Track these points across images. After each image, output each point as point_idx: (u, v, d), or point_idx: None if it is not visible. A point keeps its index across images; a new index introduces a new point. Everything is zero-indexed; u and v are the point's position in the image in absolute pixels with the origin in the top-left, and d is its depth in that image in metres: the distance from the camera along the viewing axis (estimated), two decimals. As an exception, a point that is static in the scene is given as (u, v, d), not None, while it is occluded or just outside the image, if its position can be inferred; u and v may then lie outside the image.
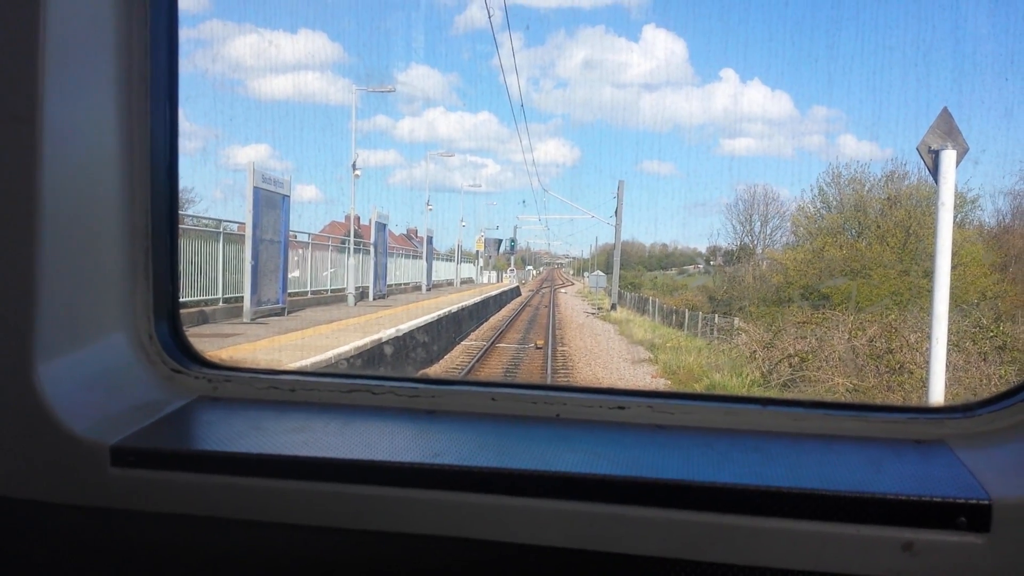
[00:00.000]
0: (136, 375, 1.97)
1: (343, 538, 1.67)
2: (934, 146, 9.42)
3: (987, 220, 25.52)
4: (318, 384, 2.03)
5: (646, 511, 1.59)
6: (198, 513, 1.70)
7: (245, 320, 18.05)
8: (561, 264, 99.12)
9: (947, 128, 9.57)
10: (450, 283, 44.78)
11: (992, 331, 16.69)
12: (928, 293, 9.95)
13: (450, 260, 47.21)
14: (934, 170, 9.54)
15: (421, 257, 36.87)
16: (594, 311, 39.30)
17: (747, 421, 1.88)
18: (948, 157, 9.42)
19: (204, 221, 20.91)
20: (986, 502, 1.50)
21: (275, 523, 1.67)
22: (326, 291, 24.82)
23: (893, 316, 19.14)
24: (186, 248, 17.61)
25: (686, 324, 28.62)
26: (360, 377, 2.03)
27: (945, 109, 9.81)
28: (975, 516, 1.50)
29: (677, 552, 1.57)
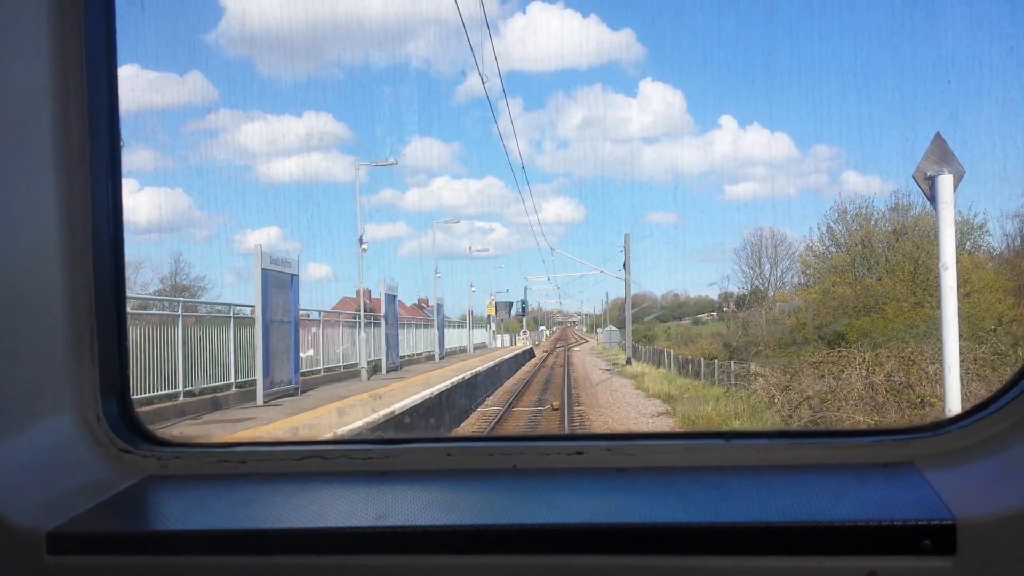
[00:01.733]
0: (82, 456, 1.92)
1: None
2: (930, 172, 9.39)
3: (996, 245, 25.38)
4: (269, 454, 1.98)
5: (600, 559, 1.51)
6: None
7: (258, 403, 17.96)
8: (574, 322, 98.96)
9: (941, 153, 9.55)
10: (463, 350, 44.68)
11: (1011, 356, 16.41)
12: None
13: (462, 326, 47.20)
14: (932, 196, 9.49)
15: (433, 326, 36.88)
16: (609, 367, 39.03)
17: (709, 457, 1.81)
18: (945, 182, 9.38)
19: (217, 307, 21.07)
20: (950, 523, 1.42)
21: None
22: (339, 367, 24.79)
23: (910, 349, 18.88)
24: (198, 335, 17.70)
25: (702, 373, 28.34)
26: (313, 443, 1.98)
27: (938, 134, 9.81)
28: (939, 538, 1.42)
29: None
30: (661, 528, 1.51)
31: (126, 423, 2.02)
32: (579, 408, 24.25)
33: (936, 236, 9.44)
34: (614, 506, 1.63)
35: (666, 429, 18.75)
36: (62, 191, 1.88)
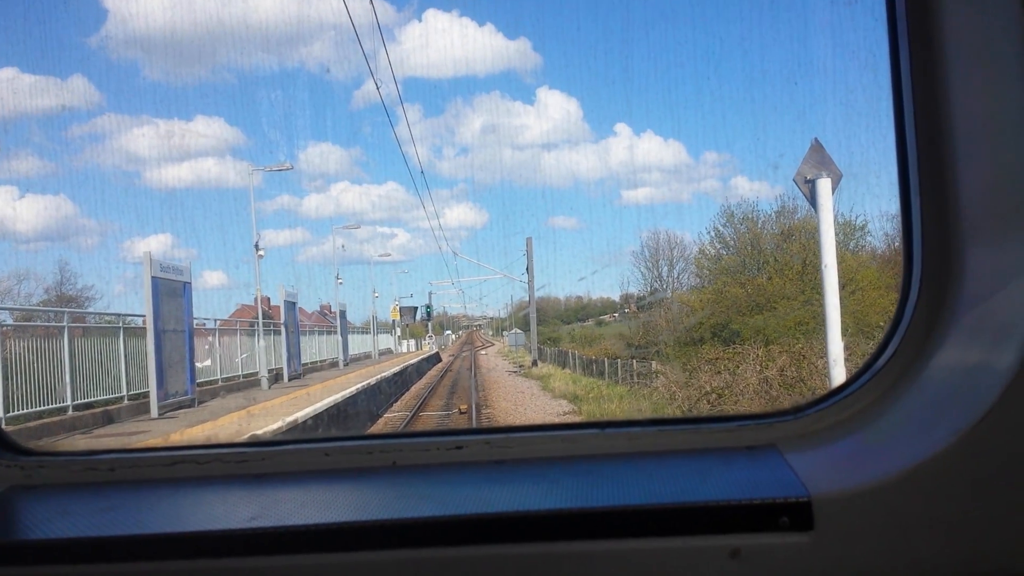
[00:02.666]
0: None
1: None
2: (809, 176, 9.84)
3: (878, 244, 26.75)
4: (138, 460, 1.92)
5: (474, 549, 1.53)
6: None
7: (153, 416, 17.29)
8: (479, 326, 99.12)
9: (819, 158, 10.03)
10: (368, 356, 44.12)
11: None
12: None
13: (366, 332, 46.63)
14: (812, 199, 9.95)
15: (336, 332, 36.29)
16: (516, 369, 39.26)
17: (584, 446, 1.85)
18: (824, 185, 9.85)
19: (106, 318, 20.18)
20: (806, 500, 1.50)
21: None
22: (239, 377, 24.10)
23: (800, 345, 19.66)
24: (87, 346, 16.95)
25: (606, 372, 28.83)
26: (185, 448, 1.92)
27: (816, 140, 10.31)
28: (797, 515, 1.49)
29: None
30: (534, 516, 1.54)
31: None
32: (487, 411, 24.28)
33: (818, 235, 9.90)
34: (490, 497, 1.64)
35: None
36: None
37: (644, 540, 1.50)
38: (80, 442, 14.10)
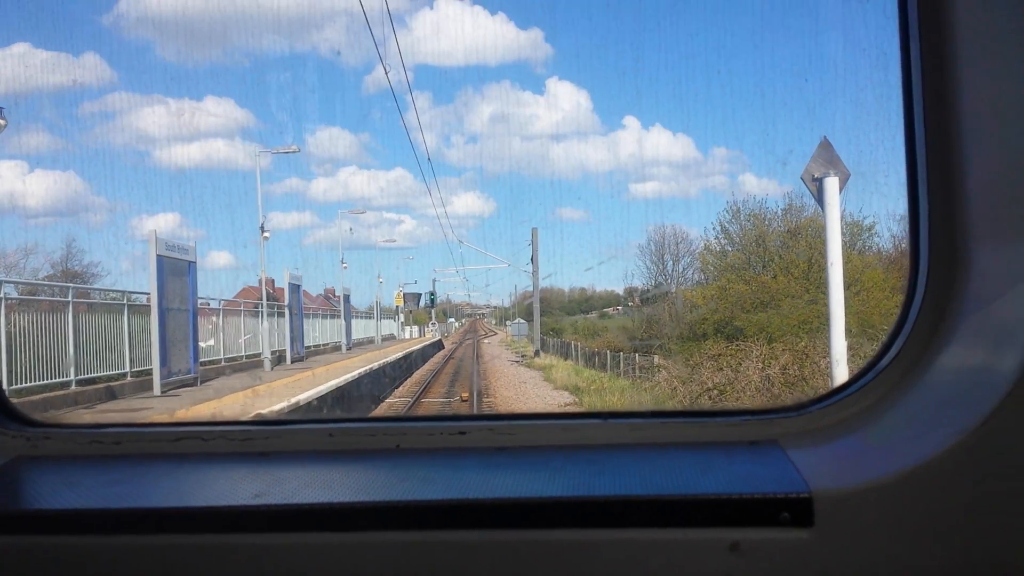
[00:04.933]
0: None
1: None
2: (817, 174, 9.81)
3: (885, 245, 26.64)
4: (144, 435, 1.93)
5: (475, 534, 1.54)
6: None
7: (156, 393, 17.36)
8: (483, 314, 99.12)
9: (828, 156, 10.00)
10: (371, 341, 44.17)
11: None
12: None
13: (370, 317, 46.67)
14: (819, 197, 9.93)
15: (340, 316, 36.35)
16: (518, 359, 39.29)
17: (586, 436, 1.86)
18: (831, 184, 9.83)
19: (111, 294, 20.25)
20: (807, 496, 1.50)
21: None
22: (241, 357, 24.16)
23: (804, 344, 19.63)
24: (92, 322, 17.02)
25: (608, 365, 28.83)
26: (190, 424, 1.94)
27: (825, 139, 10.27)
28: (797, 511, 1.50)
29: (508, 573, 1.53)
30: (537, 503, 1.55)
31: None
32: (488, 399, 24.34)
33: (824, 234, 9.88)
34: (493, 483, 1.66)
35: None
36: None
37: (645, 530, 1.51)
38: (85, 415, 14.19)
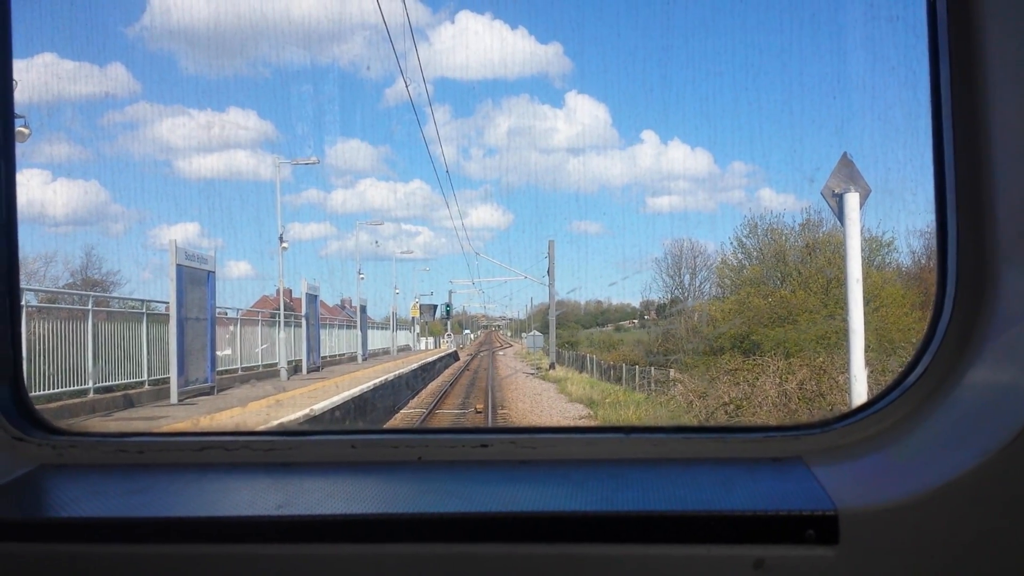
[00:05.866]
0: None
1: None
2: (837, 190, 9.78)
3: (904, 261, 26.47)
4: (168, 444, 1.94)
5: (498, 547, 1.54)
6: None
7: (173, 401, 17.46)
8: (498, 326, 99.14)
9: (848, 172, 9.96)
10: (387, 351, 44.29)
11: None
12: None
13: (386, 328, 46.79)
14: (839, 212, 9.88)
15: (356, 327, 36.45)
16: (533, 371, 39.24)
17: (608, 450, 1.86)
18: (851, 199, 9.79)
19: (130, 303, 20.42)
20: (832, 513, 1.49)
21: None
22: (258, 367, 24.27)
23: (821, 359, 19.49)
24: (111, 331, 17.18)
25: (624, 378, 28.74)
26: (213, 434, 1.95)
27: (845, 154, 10.23)
28: (822, 528, 1.49)
29: None
30: (560, 517, 1.54)
31: (19, 410, 1.96)
32: (503, 411, 24.31)
33: (844, 250, 9.83)
34: (515, 496, 1.65)
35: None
36: None
37: (668, 546, 1.50)
38: (110, 424, 14.29)
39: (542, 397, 27.98)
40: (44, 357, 14.75)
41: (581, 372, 35.67)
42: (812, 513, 1.50)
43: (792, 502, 1.54)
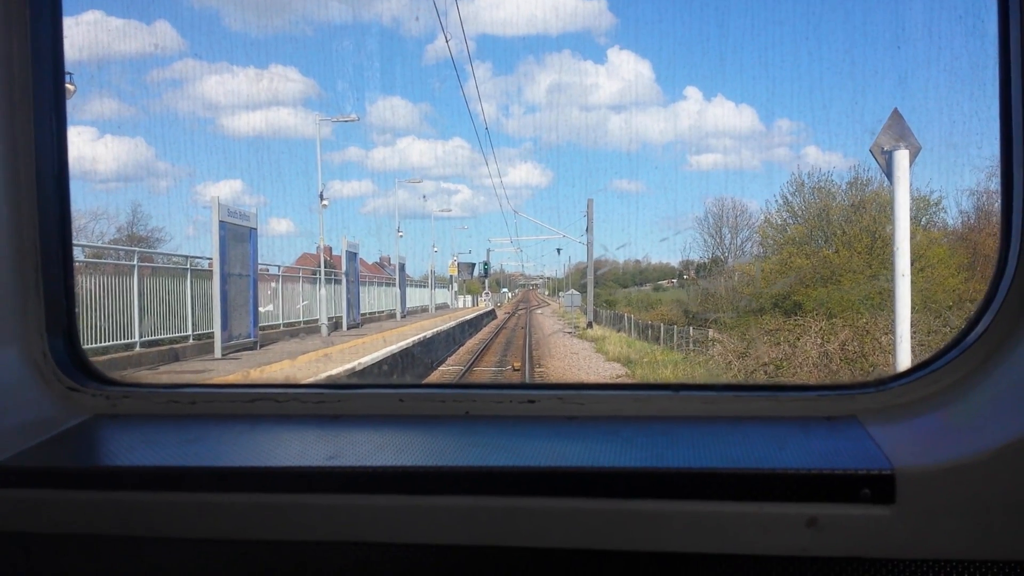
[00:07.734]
0: (28, 393, 1.90)
1: (229, 550, 1.60)
2: (887, 147, 9.53)
3: (951, 221, 25.81)
4: (219, 395, 1.97)
5: (549, 501, 1.54)
6: (81, 531, 1.62)
7: (216, 356, 17.82)
8: (536, 285, 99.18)
9: (899, 129, 9.69)
10: (425, 309, 44.62)
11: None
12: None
13: (424, 286, 47.10)
14: (888, 170, 9.65)
15: (394, 284, 36.73)
16: (571, 330, 39.28)
17: (657, 407, 1.84)
18: (901, 157, 9.54)
19: (174, 259, 20.78)
20: (889, 472, 1.46)
21: (157, 538, 1.60)
22: (299, 323, 24.62)
23: (864, 320, 19.24)
24: (156, 286, 17.53)
25: (662, 338, 28.65)
26: (263, 386, 1.97)
27: (895, 110, 9.96)
28: (878, 487, 1.46)
29: (579, 542, 1.52)
30: (608, 472, 1.54)
31: (73, 361, 1.99)
32: (540, 369, 24.42)
33: (892, 209, 9.61)
34: (563, 451, 1.65)
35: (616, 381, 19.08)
36: (5, 128, 1.83)
37: (720, 503, 1.49)
38: (162, 376, 14.65)
39: (579, 356, 28.03)
40: (90, 311, 15.12)
41: (618, 331, 35.62)
42: (868, 472, 1.47)
43: (847, 461, 1.51)
